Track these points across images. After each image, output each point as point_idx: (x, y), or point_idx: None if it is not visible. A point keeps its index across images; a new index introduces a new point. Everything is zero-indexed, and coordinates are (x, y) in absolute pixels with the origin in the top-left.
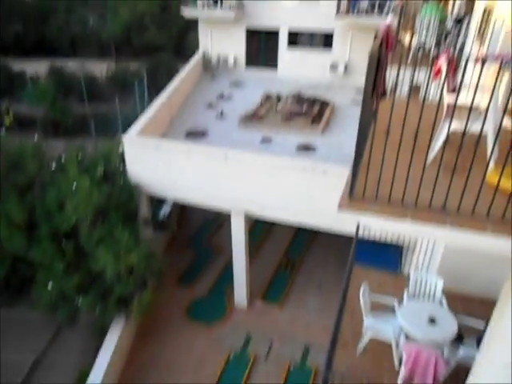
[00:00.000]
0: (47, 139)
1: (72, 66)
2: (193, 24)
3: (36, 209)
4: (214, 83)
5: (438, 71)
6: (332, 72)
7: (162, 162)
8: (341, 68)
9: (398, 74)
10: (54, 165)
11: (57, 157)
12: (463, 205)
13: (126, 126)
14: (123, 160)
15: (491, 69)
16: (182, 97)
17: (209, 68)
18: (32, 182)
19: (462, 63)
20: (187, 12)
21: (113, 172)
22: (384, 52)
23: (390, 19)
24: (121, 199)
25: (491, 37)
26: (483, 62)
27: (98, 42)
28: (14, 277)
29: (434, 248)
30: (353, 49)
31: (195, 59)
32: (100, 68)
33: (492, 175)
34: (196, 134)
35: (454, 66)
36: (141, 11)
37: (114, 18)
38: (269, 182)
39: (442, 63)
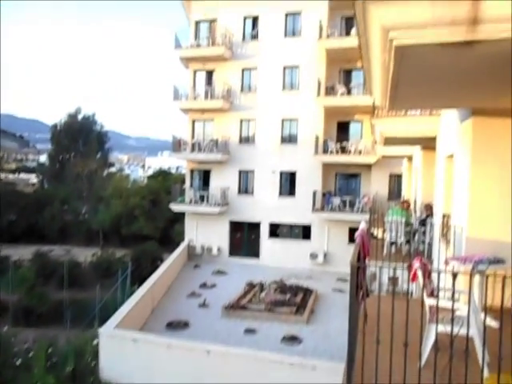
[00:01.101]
0: (18, 329)
1: (58, 252)
2: (180, 216)
3: None
4: (197, 272)
5: (415, 276)
6: (312, 260)
7: (141, 358)
8: (320, 257)
9: (379, 274)
10: (19, 360)
11: (24, 350)
12: None
13: (105, 315)
14: (97, 355)
15: (461, 270)
16: (165, 286)
17: (193, 257)
18: None
19: (434, 269)
20: (175, 207)
21: (83, 370)
22: (362, 257)
23: (362, 225)
24: None
25: (455, 241)
26: (454, 275)
27: (88, 230)
28: None
29: None
30: (330, 239)
31: (180, 249)
32: (85, 255)
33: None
34: (177, 326)
35: (427, 271)
36: (132, 204)
37: (105, 209)
38: (255, 378)
39: (417, 268)
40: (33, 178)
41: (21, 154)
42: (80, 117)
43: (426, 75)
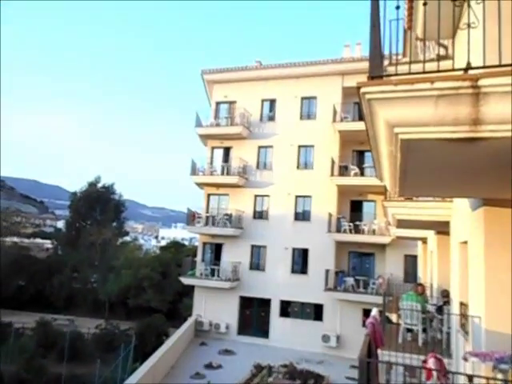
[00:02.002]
0: None
1: (62, 321)
2: (189, 289)
3: None
4: (204, 350)
5: (430, 374)
6: (324, 343)
7: None
8: (333, 340)
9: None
10: None
11: None
12: None
13: None
14: None
15: (482, 367)
16: (168, 365)
17: (200, 334)
18: None
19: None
20: (185, 280)
21: None
22: (374, 347)
23: (374, 312)
24: None
25: (473, 332)
26: (470, 379)
27: (94, 300)
28: None
29: None
30: (343, 321)
31: (187, 324)
32: (89, 326)
33: None
34: None
35: (443, 367)
36: (142, 275)
37: (115, 279)
38: None
39: (431, 365)
40: (48, 244)
41: (39, 219)
42: (99, 185)
43: (432, 167)
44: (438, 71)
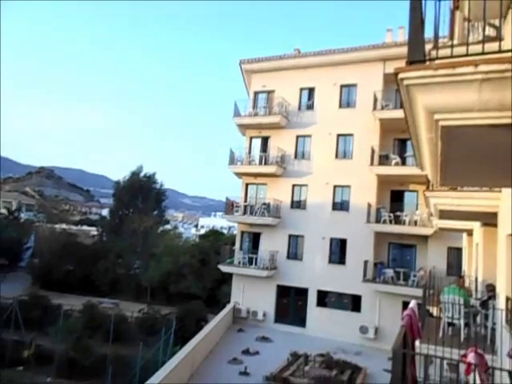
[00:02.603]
0: (60, 380)
1: (107, 305)
2: (228, 277)
3: None
4: (241, 336)
5: (469, 368)
6: (362, 334)
7: None
8: (371, 332)
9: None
10: None
11: None
12: None
13: (145, 374)
14: None
15: None
16: (207, 350)
17: (238, 321)
18: None
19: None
20: (223, 268)
21: None
22: (410, 340)
23: (412, 304)
24: None
25: None
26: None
27: (137, 285)
28: None
29: None
30: (382, 313)
31: (225, 311)
32: (133, 309)
33: None
34: None
35: (483, 362)
36: (182, 262)
37: (156, 265)
38: None
39: (471, 360)
40: (93, 231)
41: (85, 207)
42: (141, 175)
43: (475, 154)
44: (483, 53)
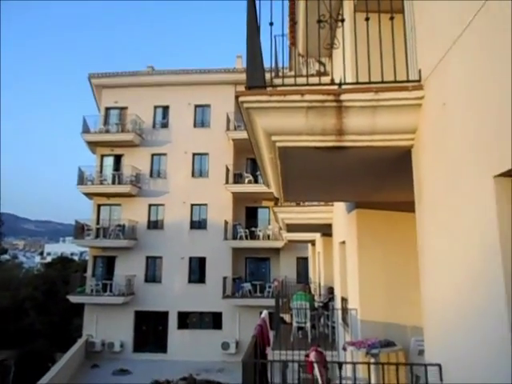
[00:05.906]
0: None
1: None
2: (79, 308)
3: None
4: (95, 373)
5: (311, 366)
6: (224, 351)
7: None
8: (232, 346)
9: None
10: None
11: None
12: None
13: None
14: None
15: (359, 355)
16: None
17: (92, 355)
18: None
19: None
20: (73, 298)
21: None
22: (261, 348)
23: (263, 315)
24: None
25: (352, 324)
26: (340, 366)
27: None
28: None
29: None
30: (242, 327)
31: (76, 347)
32: None
33: None
34: None
35: (323, 359)
36: (22, 296)
37: None
38: None
39: (312, 358)
40: None
41: None
42: None
43: (307, 173)
44: (307, 84)
